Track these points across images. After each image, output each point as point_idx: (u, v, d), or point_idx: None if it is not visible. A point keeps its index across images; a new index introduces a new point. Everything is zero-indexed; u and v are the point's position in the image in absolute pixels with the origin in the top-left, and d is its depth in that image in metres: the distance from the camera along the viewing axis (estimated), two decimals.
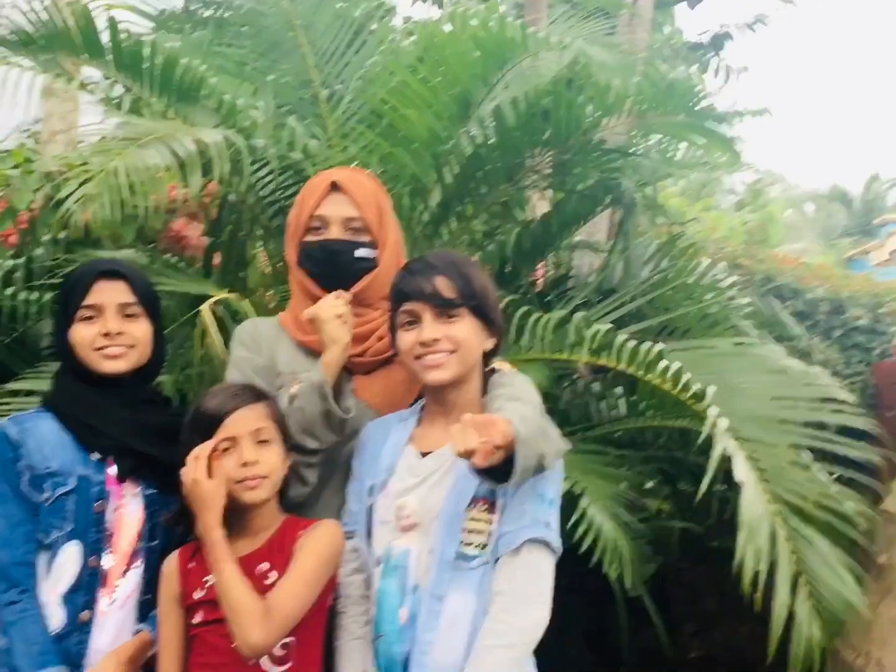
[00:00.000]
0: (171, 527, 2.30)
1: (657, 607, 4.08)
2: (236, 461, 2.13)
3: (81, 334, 2.32)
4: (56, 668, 2.15)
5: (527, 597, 2.05)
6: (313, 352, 2.43)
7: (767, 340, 4.10)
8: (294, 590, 2.10)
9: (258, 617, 2.02)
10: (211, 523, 2.08)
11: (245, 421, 2.16)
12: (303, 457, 2.31)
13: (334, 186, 2.46)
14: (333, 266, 2.45)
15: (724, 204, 15.90)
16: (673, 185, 11.30)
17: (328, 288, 2.44)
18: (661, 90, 3.68)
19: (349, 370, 2.44)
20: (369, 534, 2.24)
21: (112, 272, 2.36)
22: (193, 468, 2.09)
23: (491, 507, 2.10)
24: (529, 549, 2.07)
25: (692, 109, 3.80)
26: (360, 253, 2.46)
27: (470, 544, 2.09)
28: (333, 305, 2.31)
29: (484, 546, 2.09)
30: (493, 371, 2.29)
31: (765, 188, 14.92)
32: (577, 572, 4.73)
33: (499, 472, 1.95)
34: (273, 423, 2.20)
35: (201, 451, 2.11)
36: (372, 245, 2.48)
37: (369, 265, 2.48)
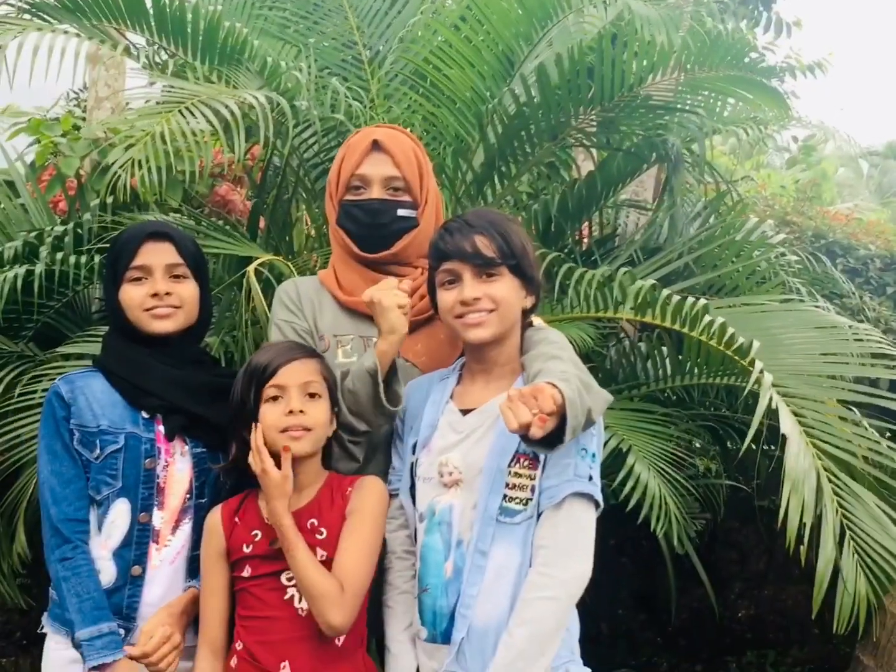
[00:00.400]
0: (214, 482, 2.35)
1: (705, 567, 4.08)
2: (283, 409, 2.16)
3: (130, 295, 2.35)
4: (109, 623, 2.20)
5: (569, 550, 2.07)
6: (356, 312, 2.44)
7: (817, 297, 4.04)
8: (360, 559, 2.15)
9: (335, 598, 2.08)
10: (280, 511, 2.11)
11: (296, 373, 2.19)
12: (352, 436, 2.33)
13: (375, 145, 2.46)
14: (375, 226, 2.45)
15: (776, 162, 15.65)
16: (722, 144, 11.13)
17: (368, 248, 2.45)
18: (707, 44, 3.61)
19: None
20: (412, 490, 2.26)
21: (160, 234, 2.39)
22: (259, 459, 2.12)
23: (533, 463, 2.11)
24: (572, 503, 2.08)
25: (740, 64, 3.73)
26: (402, 212, 2.46)
27: (513, 499, 2.10)
28: (397, 295, 2.27)
29: (527, 501, 2.10)
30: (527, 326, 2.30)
31: (818, 145, 14.64)
32: (626, 534, 4.77)
33: (550, 435, 1.96)
34: (323, 381, 2.22)
35: (260, 441, 2.14)
36: (412, 205, 2.48)
37: (410, 224, 2.48)
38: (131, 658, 2.17)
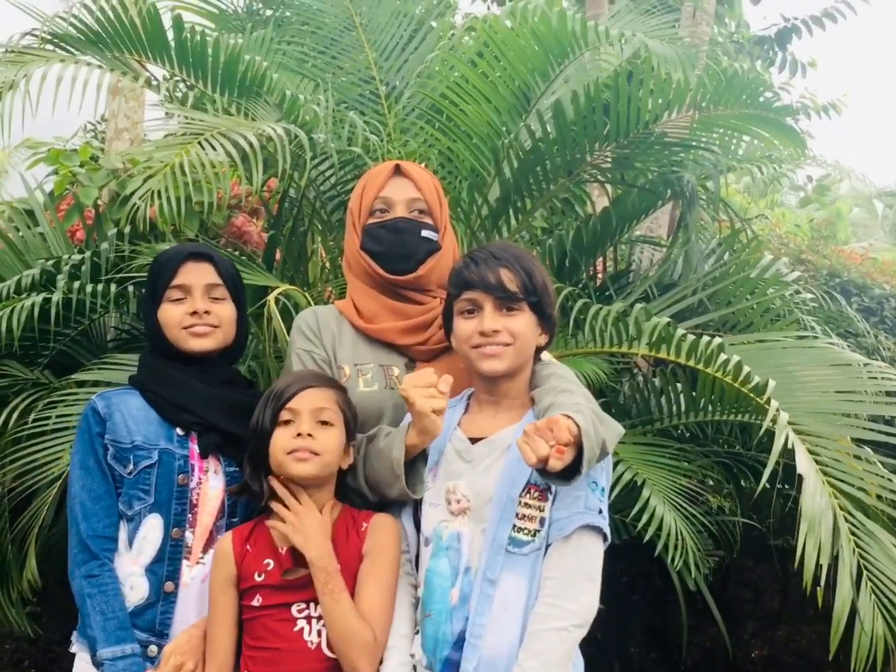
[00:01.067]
0: (246, 502, 2.35)
1: (719, 606, 4.05)
2: (292, 432, 2.17)
3: (170, 314, 2.39)
4: (132, 644, 2.22)
5: (578, 581, 2.08)
6: (376, 340, 2.45)
7: (832, 336, 4.03)
8: (385, 605, 2.19)
9: (370, 647, 2.12)
10: (324, 552, 2.13)
11: (310, 399, 2.21)
12: (362, 500, 2.34)
13: (397, 170, 2.52)
14: (400, 245, 2.47)
15: (791, 201, 15.67)
16: (736, 183, 11.16)
17: (393, 268, 2.47)
18: (723, 83, 3.65)
19: (411, 357, 2.47)
20: (414, 514, 2.27)
21: (200, 254, 2.44)
22: (295, 513, 2.13)
23: (543, 495, 2.13)
24: (581, 535, 2.09)
25: (755, 102, 3.76)
26: (426, 233, 2.49)
27: (522, 530, 2.12)
28: (433, 398, 2.16)
29: (535, 532, 2.12)
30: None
31: (832, 184, 14.67)
32: (638, 571, 4.74)
33: (566, 467, 1.96)
34: (338, 409, 2.23)
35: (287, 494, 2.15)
36: (435, 228, 2.51)
37: (433, 247, 2.51)
38: None
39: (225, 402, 2.40)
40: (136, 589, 2.28)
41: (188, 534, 2.32)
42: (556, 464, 1.91)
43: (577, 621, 2.07)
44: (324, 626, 2.16)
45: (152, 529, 2.30)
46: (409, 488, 2.20)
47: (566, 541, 2.09)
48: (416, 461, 2.25)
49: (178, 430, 2.36)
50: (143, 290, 2.54)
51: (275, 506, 2.13)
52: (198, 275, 2.40)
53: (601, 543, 2.14)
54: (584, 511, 2.09)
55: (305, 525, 2.12)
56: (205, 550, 2.33)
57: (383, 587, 2.20)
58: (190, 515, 2.32)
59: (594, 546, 2.12)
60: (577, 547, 2.09)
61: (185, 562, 2.31)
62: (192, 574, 2.31)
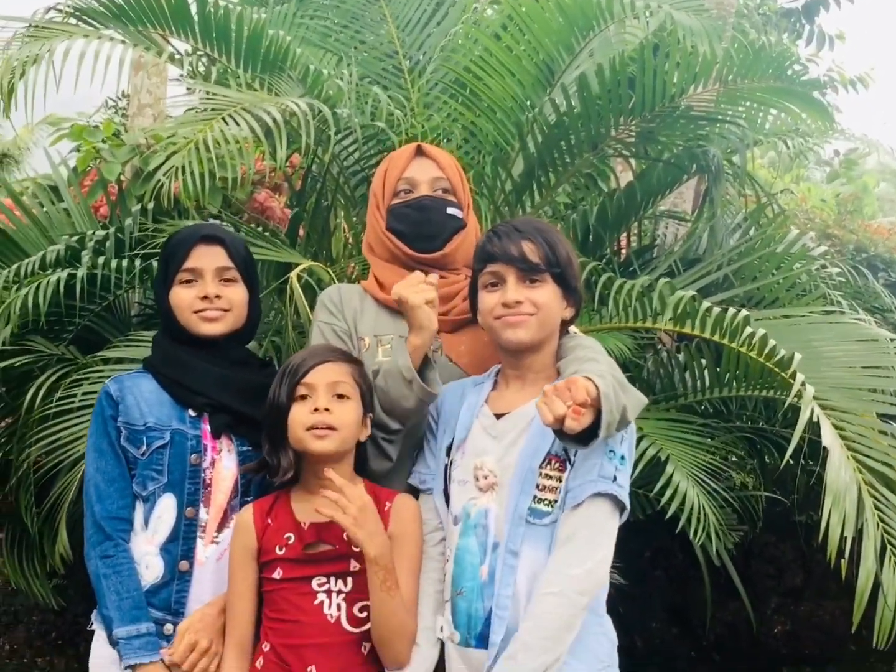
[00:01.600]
0: (260, 481, 2.36)
1: (741, 582, 4.05)
2: (309, 407, 2.18)
3: (180, 297, 2.39)
4: (147, 623, 2.23)
5: (582, 548, 2.07)
6: (397, 312, 2.46)
7: (858, 311, 4.00)
8: (416, 589, 2.22)
9: (411, 638, 2.17)
10: (384, 549, 2.13)
11: (326, 372, 2.21)
12: (384, 433, 2.34)
13: (419, 151, 2.53)
14: (426, 223, 2.49)
15: (817, 177, 15.53)
16: (761, 158, 11.05)
17: (420, 246, 2.48)
18: (749, 55, 3.60)
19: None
20: (445, 492, 2.27)
21: (212, 237, 2.43)
22: (358, 507, 2.11)
23: (562, 465, 2.13)
24: (592, 503, 2.08)
25: (782, 75, 3.72)
26: (451, 211, 2.50)
27: (542, 501, 2.12)
28: (423, 290, 2.26)
29: (554, 503, 2.11)
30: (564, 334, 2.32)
31: (860, 159, 14.51)
32: (660, 546, 4.74)
33: (585, 433, 1.96)
34: (354, 383, 2.23)
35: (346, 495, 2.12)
36: (458, 206, 2.52)
37: (459, 224, 2.52)
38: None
39: (236, 384, 2.41)
40: (151, 568, 2.29)
41: (202, 513, 2.33)
42: (572, 424, 1.90)
43: (578, 587, 2.04)
44: (344, 600, 2.18)
45: (166, 509, 2.31)
46: (431, 389, 2.25)
47: (577, 508, 2.08)
48: (423, 369, 2.28)
49: (190, 412, 2.37)
50: (156, 271, 2.54)
51: (328, 493, 2.11)
52: (209, 258, 2.40)
53: (614, 511, 2.12)
54: (597, 479, 2.08)
55: (369, 521, 2.11)
56: (219, 529, 2.34)
57: (415, 573, 2.22)
58: (203, 495, 2.33)
59: (606, 514, 2.10)
60: (587, 514, 2.08)
61: (199, 541, 2.32)
62: (207, 553, 2.32)
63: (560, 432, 1.97)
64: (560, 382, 1.97)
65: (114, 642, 2.21)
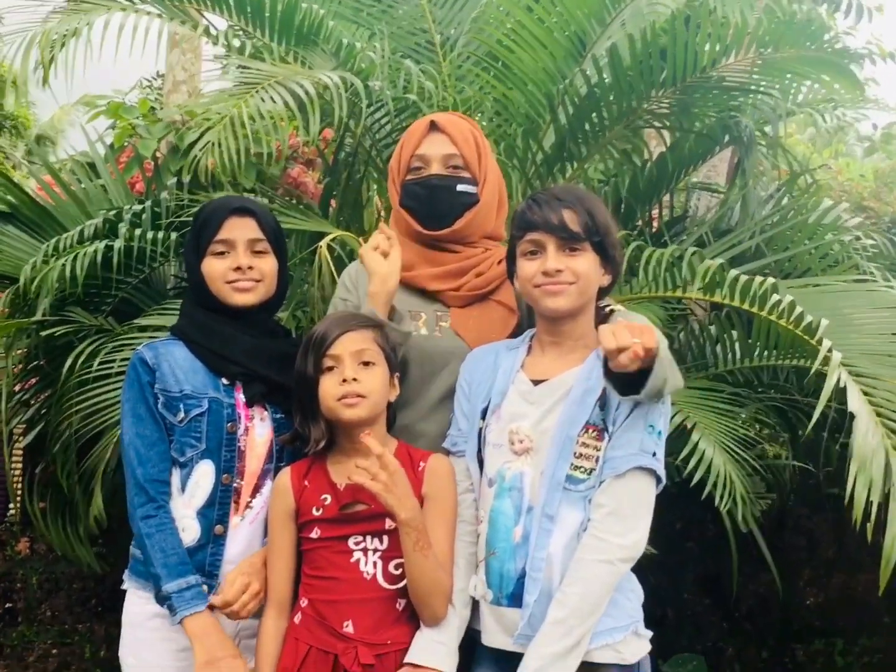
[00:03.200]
0: (291, 447, 2.41)
1: (773, 554, 4.05)
2: (337, 379, 2.22)
3: (213, 268, 2.43)
4: (193, 576, 2.28)
5: (627, 517, 2.11)
6: (410, 288, 2.51)
7: (892, 282, 3.97)
8: (450, 549, 2.25)
9: (449, 594, 2.20)
10: (415, 512, 2.16)
11: (350, 342, 2.25)
12: None
13: (433, 126, 2.53)
14: (436, 201, 2.51)
15: (857, 152, 15.32)
16: (800, 133, 10.93)
17: (431, 224, 2.50)
18: (782, 24, 3.59)
19: (444, 303, 2.53)
20: (478, 454, 2.30)
21: (243, 209, 2.46)
22: (389, 472, 2.12)
23: (600, 434, 2.15)
24: (634, 475, 2.12)
25: (815, 44, 3.69)
26: (461, 188, 2.51)
27: (579, 468, 2.14)
28: (373, 239, 2.40)
29: (591, 471, 2.14)
30: (604, 308, 2.33)
31: None
32: (691, 517, 4.75)
33: (628, 384, 2.01)
34: (378, 348, 2.27)
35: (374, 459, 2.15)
36: (472, 181, 2.53)
37: (471, 200, 2.53)
38: (213, 607, 2.26)
39: (267, 353, 2.45)
40: (188, 531, 2.34)
41: (237, 479, 2.38)
42: (626, 360, 1.94)
43: (623, 555, 2.10)
44: (380, 557, 2.22)
45: (204, 475, 2.36)
46: (393, 322, 2.38)
47: (619, 479, 2.11)
48: (392, 315, 2.41)
49: (224, 380, 2.41)
50: (187, 242, 2.57)
51: (361, 462, 2.15)
52: (241, 230, 2.43)
53: (654, 486, 2.16)
54: (639, 453, 2.11)
55: (399, 486, 2.13)
56: (252, 495, 2.39)
57: (450, 531, 2.26)
58: (238, 462, 2.38)
59: (646, 487, 2.15)
60: (629, 486, 2.12)
61: (233, 506, 2.37)
62: (241, 517, 2.38)
63: (607, 369, 2.01)
64: (634, 323, 2.01)
65: (163, 598, 2.25)
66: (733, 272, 3.02)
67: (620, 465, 2.11)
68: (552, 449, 2.16)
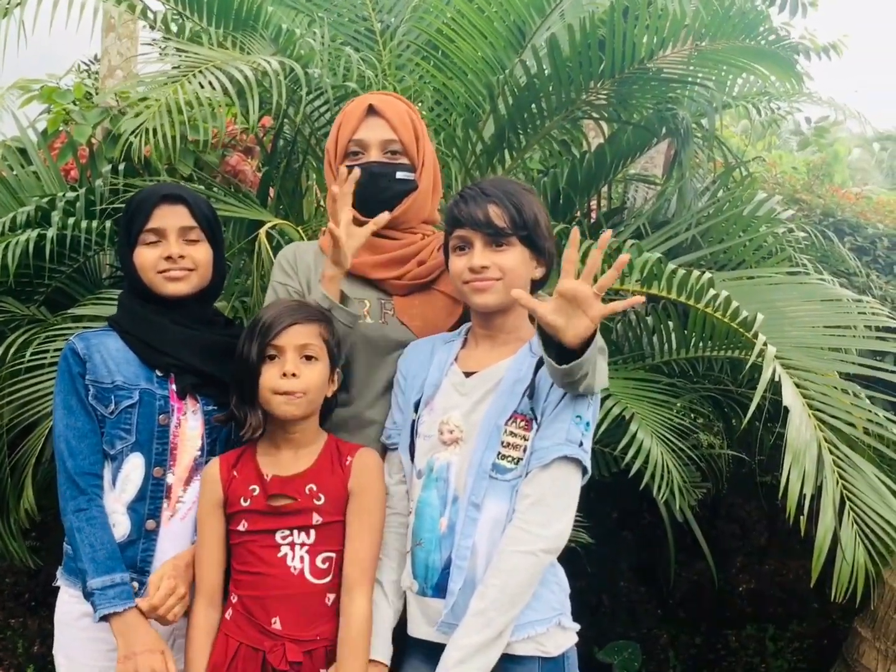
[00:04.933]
0: (225, 438, 2.39)
1: (707, 542, 4.12)
2: (278, 370, 2.21)
3: (144, 257, 2.38)
4: (122, 573, 2.24)
5: (551, 508, 2.12)
6: (352, 276, 2.48)
7: (823, 274, 4.05)
8: (375, 545, 2.25)
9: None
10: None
11: (295, 335, 2.23)
12: None
13: (371, 110, 2.49)
14: (375, 189, 2.47)
15: (791, 145, 15.58)
16: (734, 126, 11.07)
17: (369, 212, 2.46)
18: (719, 15, 3.61)
19: (387, 292, 2.51)
20: (411, 447, 2.31)
21: (174, 196, 2.40)
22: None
23: (528, 424, 2.16)
24: (559, 465, 2.12)
25: (752, 35, 3.73)
26: (401, 175, 2.49)
27: (506, 457, 2.16)
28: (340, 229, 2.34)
29: (518, 460, 2.15)
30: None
31: (831, 127, 14.57)
32: (627, 507, 4.81)
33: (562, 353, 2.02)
34: (322, 343, 2.26)
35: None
36: (410, 167, 2.51)
37: (409, 187, 2.51)
38: (140, 611, 2.22)
39: (201, 343, 2.41)
40: (118, 526, 2.31)
41: (169, 473, 2.34)
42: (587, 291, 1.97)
43: (546, 546, 2.10)
44: (307, 552, 2.21)
45: (134, 468, 2.32)
46: (343, 306, 2.34)
47: (544, 469, 2.12)
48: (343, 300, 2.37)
49: (157, 372, 2.38)
50: (120, 231, 2.52)
51: None
52: (172, 218, 2.38)
53: (579, 476, 2.17)
54: (565, 443, 2.12)
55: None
56: (184, 489, 2.36)
57: (373, 526, 2.24)
58: (170, 455, 2.35)
59: (571, 477, 2.15)
60: (554, 476, 2.12)
61: (165, 500, 2.34)
62: (173, 512, 2.34)
63: (546, 337, 2.02)
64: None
65: (89, 594, 2.21)
66: (671, 266, 3.05)
67: (546, 455, 2.12)
68: (479, 437, 2.17)
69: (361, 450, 2.31)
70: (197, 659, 2.23)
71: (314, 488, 2.22)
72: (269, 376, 2.21)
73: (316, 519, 2.21)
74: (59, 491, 2.31)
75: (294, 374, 2.20)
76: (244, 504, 2.23)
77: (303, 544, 2.22)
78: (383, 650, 2.21)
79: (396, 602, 2.26)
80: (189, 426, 2.38)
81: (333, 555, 2.22)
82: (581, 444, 2.14)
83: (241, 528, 2.24)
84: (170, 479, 2.34)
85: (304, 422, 2.26)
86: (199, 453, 2.38)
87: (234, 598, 2.25)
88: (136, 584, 2.29)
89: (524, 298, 2.04)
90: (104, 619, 2.20)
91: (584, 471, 2.18)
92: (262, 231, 3.30)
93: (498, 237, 2.20)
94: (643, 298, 2.06)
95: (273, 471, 2.24)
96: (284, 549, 2.21)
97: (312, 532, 2.22)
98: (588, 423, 2.16)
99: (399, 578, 2.26)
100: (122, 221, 2.50)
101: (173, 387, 2.38)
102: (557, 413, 2.13)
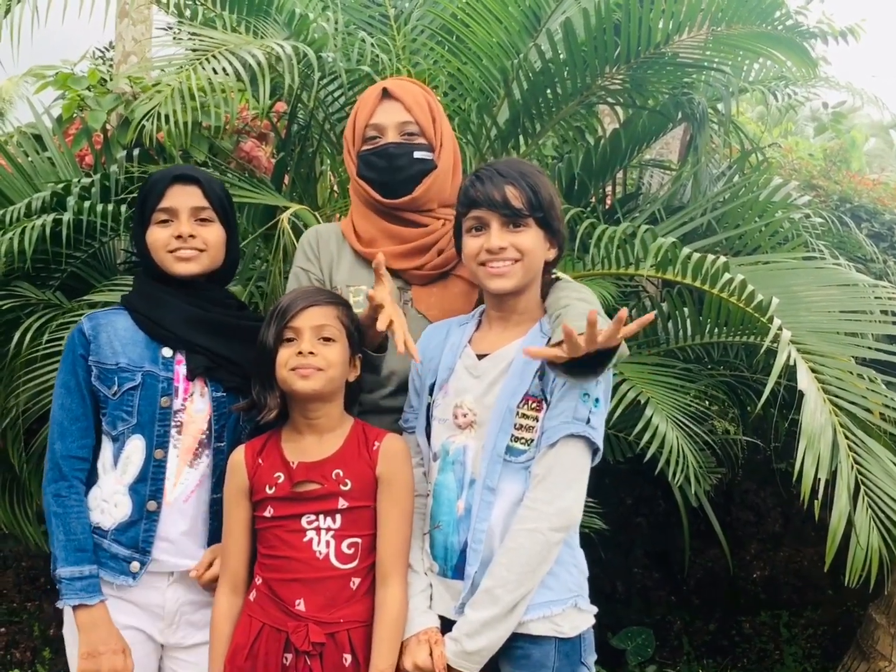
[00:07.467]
0: (240, 415, 2.40)
1: (722, 528, 4.11)
2: (294, 350, 2.21)
3: (156, 236, 2.40)
4: (90, 566, 2.27)
5: (557, 485, 2.12)
6: (370, 265, 2.47)
7: (840, 259, 4.02)
8: (406, 534, 2.26)
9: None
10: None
11: (312, 316, 2.23)
12: None
13: (385, 94, 2.51)
14: (394, 170, 2.48)
15: (808, 132, 15.48)
16: (751, 112, 11.01)
17: (390, 193, 2.48)
18: (735, 1, 3.59)
19: (406, 281, 2.51)
20: (427, 430, 2.32)
21: (187, 177, 2.42)
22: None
23: (539, 405, 2.16)
24: (567, 443, 2.12)
25: (768, 20, 3.71)
26: (418, 154, 2.50)
27: (519, 440, 2.16)
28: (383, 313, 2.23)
29: (531, 442, 2.16)
30: (554, 280, 2.33)
31: (849, 112, 14.46)
32: (642, 494, 4.81)
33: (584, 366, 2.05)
34: (340, 325, 2.26)
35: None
36: (428, 147, 2.52)
37: (428, 167, 2.51)
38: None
39: (211, 323, 2.42)
40: (119, 507, 2.33)
41: (171, 455, 2.35)
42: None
43: (551, 524, 2.10)
44: (333, 537, 2.22)
45: (135, 450, 2.33)
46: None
47: (552, 448, 2.12)
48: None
49: (165, 352, 2.38)
50: (134, 212, 2.53)
51: None
52: (184, 198, 2.40)
53: (587, 454, 2.16)
54: (572, 421, 2.11)
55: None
56: (188, 471, 2.38)
57: (404, 513, 2.25)
58: (173, 437, 2.36)
59: (579, 455, 2.14)
60: (561, 454, 2.12)
61: (167, 482, 2.35)
62: (175, 494, 2.35)
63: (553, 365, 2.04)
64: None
65: (57, 580, 2.24)
66: (685, 250, 3.04)
67: (554, 434, 2.12)
68: (493, 422, 2.17)
69: (388, 435, 2.31)
70: (219, 644, 2.26)
71: (340, 473, 2.23)
72: (285, 355, 2.22)
73: (342, 504, 2.21)
74: (45, 468, 2.34)
75: (311, 353, 2.20)
76: (269, 492, 2.25)
77: (328, 529, 2.22)
78: (423, 619, 2.21)
79: (426, 579, 2.27)
80: (195, 408, 2.39)
81: (360, 540, 2.23)
82: (588, 421, 2.13)
83: (266, 514, 2.25)
84: (172, 460, 2.35)
85: (324, 405, 2.26)
86: (203, 436, 2.39)
87: (258, 580, 2.27)
88: (136, 565, 2.32)
89: (536, 353, 2.09)
90: (73, 608, 2.24)
91: (596, 449, 2.17)
92: (284, 217, 3.31)
93: (515, 218, 2.19)
94: (651, 316, 2.05)
95: (298, 457, 2.25)
96: (310, 534, 2.22)
97: (338, 517, 2.22)
98: (598, 400, 2.15)
99: (423, 557, 2.28)
100: (137, 202, 2.52)
101: (180, 368, 2.39)
102: (565, 392, 2.12)
